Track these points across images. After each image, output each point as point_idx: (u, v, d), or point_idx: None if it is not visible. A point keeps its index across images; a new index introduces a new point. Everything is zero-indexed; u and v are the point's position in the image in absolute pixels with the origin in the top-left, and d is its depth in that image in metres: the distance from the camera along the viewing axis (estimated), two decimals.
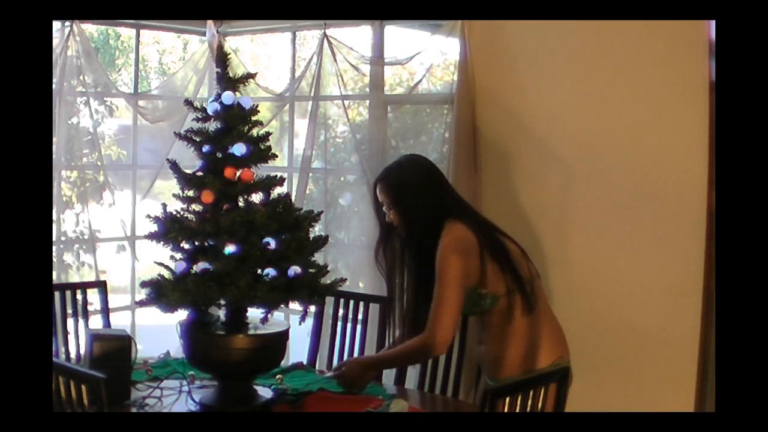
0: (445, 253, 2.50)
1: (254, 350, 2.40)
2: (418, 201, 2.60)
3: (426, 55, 3.78)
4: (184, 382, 2.60)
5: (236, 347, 2.38)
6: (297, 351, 3.49)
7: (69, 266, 4.12)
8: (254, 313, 2.42)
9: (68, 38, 3.89)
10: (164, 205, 2.47)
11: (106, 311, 3.19)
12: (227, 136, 2.43)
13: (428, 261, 2.54)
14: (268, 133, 2.53)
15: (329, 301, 3.08)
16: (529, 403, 2.06)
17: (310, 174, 4.23)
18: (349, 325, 3.18)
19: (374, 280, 3.92)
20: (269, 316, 2.38)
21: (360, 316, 3.20)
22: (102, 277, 3.77)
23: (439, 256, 2.50)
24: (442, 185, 2.69)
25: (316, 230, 2.73)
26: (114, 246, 4.37)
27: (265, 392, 2.57)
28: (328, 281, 2.48)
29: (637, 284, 3.17)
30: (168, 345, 3.03)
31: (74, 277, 4.08)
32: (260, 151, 2.46)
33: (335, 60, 3.99)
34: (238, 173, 2.41)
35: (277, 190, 2.51)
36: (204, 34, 4.50)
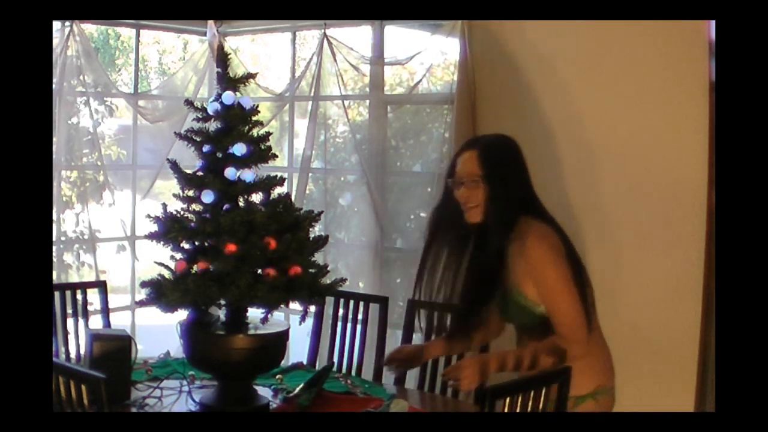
0: (548, 256, 2.30)
1: (254, 350, 2.39)
2: (510, 182, 2.38)
3: (426, 55, 3.78)
4: (184, 382, 2.60)
5: (236, 347, 2.38)
6: (297, 351, 3.49)
7: (69, 266, 4.12)
8: (254, 313, 2.42)
9: (68, 38, 3.89)
10: (164, 205, 2.47)
11: (106, 311, 3.18)
12: (227, 136, 2.43)
13: (489, 252, 2.36)
14: (268, 133, 2.53)
15: (329, 301, 3.07)
16: (530, 403, 2.06)
17: (310, 174, 4.23)
18: (349, 325, 3.18)
19: (374, 280, 3.93)
20: (269, 316, 2.38)
21: (360, 316, 3.19)
22: (102, 277, 3.77)
23: (541, 258, 2.29)
24: (529, 178, 2.46)
25: (316, 230, 2.72)
26: (114, 246, 4.37)
27: (265, 392, 2.57)
28: (328, 281, 2.48)
29: (637, 284, 3.17)
30: (168, 345, 3.03)
31: (74, 277, 4.08)
32: (260, 151, 2.46)
33: (335, 60, 3.99)
34: (238, 173, 2.41)
35: (277, 190, 2.51)
36: (204, 34, 4.50)
